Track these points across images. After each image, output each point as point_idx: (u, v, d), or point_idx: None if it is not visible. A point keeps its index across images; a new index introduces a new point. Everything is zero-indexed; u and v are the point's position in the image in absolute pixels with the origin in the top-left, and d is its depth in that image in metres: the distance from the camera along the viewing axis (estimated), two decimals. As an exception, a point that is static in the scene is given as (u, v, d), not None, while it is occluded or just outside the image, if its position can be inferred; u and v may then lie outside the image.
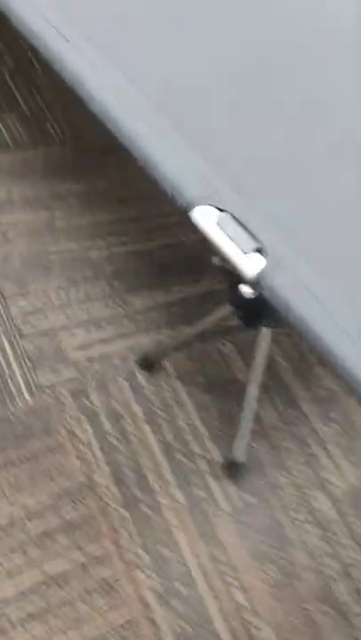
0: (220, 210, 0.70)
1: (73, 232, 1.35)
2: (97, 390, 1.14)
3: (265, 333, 0.95)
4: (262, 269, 0.66)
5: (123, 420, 1.12)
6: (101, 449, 1.08)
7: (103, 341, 1.21)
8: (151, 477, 1.07)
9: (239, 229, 0.68)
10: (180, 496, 1.06)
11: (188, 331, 1.26)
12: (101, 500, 1.02)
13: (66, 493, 1.01)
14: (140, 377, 1.19)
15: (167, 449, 1.11)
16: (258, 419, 1.20)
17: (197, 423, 1.16)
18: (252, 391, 1.06)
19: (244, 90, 0.90)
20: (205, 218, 0.69)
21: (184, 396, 1.19)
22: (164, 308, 1.30)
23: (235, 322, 1.31)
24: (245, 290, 0.78)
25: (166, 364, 1.22)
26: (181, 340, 1.26)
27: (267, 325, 0.93)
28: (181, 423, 1.15)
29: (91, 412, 1.11)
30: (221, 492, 1.09)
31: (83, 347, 1.19)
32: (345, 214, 0.82)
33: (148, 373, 1.19)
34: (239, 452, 1.09)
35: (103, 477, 1.05)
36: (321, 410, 1.25)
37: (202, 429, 1.15)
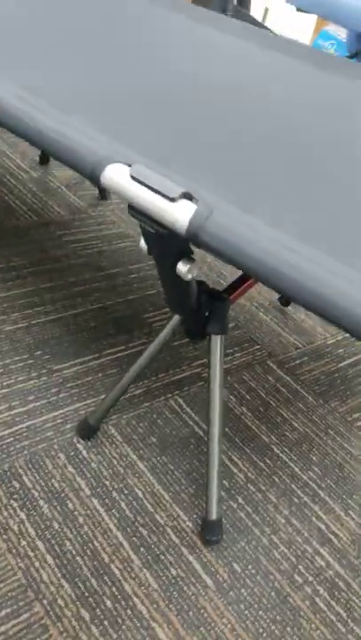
0: (130, 166, 0.59)
1: (-17, 309, 1.20)
2: (28, 469, 0.93)
3: (215, 341, 0.81)
4: (195, 213, 0.54)
5: (65, 499, 0.91)
6: (42, 538, 0.85)
7: (30, 414, 1.02)
8: (111, 563, 0.84)
9: (158, 177, 0.56)
10: (150, 580, 0.84)
11: (129, 391, 1.10)
12: (51, 602, 0.78)
13: (3, 601, 0.77)
14: (81, 447, 0.99)
15: (125, 525, 0.89)
16: (230, 474, 1.01)
17: (157, 488, 0.96)
18: (214, 428, 0.89)
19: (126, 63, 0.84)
20: (118, 174, 0.58)
21: (137, 462, 0.99)
22: (98, 372, 1.13)
23: (180, 375, 1.17)
24: (182, 268, 0.65)
25: (110, 428, 1.03)
26: (124, 401, 1.08)
27: (215, 332, 0.80)
28: (138, 492, 0.95)
29: (23, 495, 0.89)
30: (200, 564, 0.87)
31: (6, 423, 0.99)
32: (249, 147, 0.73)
33: (90, 442, 1.00)
34: (213, 511, 0.89)
35: (49, 573, 0.81)
36: (298, 453, 1.08)
37: (165, 495, 0.95)
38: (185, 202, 0.54)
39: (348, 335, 1.42)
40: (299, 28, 3.54)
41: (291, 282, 0.49)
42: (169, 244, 0.62)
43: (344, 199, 0.65)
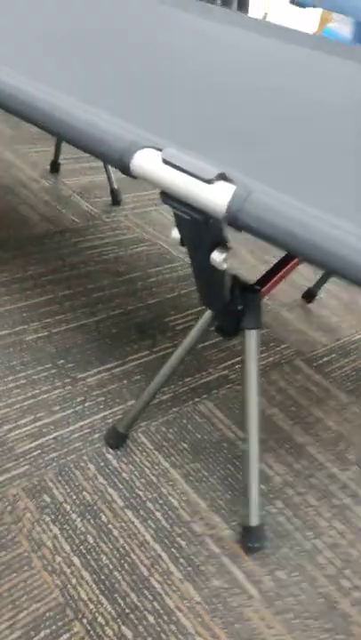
0: (160, 150, 0.56)
1: (1, 319, 1.17)
2: (58, 482, 0.90)
3: (250, 335, 0.77)
4: (234, 194, 0.50)
5: (98, 511, 0.87)
6: (77, 553, 0.81)
7: (56, 425, 0.98)
8: (150, 576, 0.80)
9: (192, 160, 0.53)
10: (192, 592, 0.80)
11: (156, 396, 1.06)
12: (91, 620, 0.74)
13: (42, 622, 0.73)
14: (111, 457, 0.95)
15: (162, 535, 0.85)
16: (266, 478, 0.97)
17: (193, 496, 0.92)
18: (252, 427, 0.84)
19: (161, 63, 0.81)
20: (148, 160, 0.55)
21: (169, 469, 0.95)
22: (123, 380, 1.10)
23: (207, 378, 1.14)
24: (217, 257, 0.62)
25: (139, 436, 1.00)
26: (152, 407, 1.05)
27: (249, 327, 0.76)
28: (173, 501, 0.91)
29: (55, 509, 0.86)
30: (243, 573, 0.83)
31: (33, 435, 0.96)
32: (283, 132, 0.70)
33: (119, 451, 0.96)
34: (254, 516, 0.85)
35: (87, 590, 0.77)
36: (334, 453, 1.04)
37: (201, 503, 0.91)
38: (222, 183, 0.51)
39: (375, 330, 1.38)
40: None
41: (338, 258, 0.46)
42: (204, 230, 0.59)
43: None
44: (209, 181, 0.51)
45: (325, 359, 1.26)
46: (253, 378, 0.80)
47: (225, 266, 0.61)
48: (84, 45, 0.89)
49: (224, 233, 0.62)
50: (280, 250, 0.51)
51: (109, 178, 1.72)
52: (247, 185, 0.51)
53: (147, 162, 0.54)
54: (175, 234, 0.63)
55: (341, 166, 0.64)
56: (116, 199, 1.71)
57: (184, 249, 1.58)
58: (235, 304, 0.75)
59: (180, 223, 0.62)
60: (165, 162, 0.53)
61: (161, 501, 0.90)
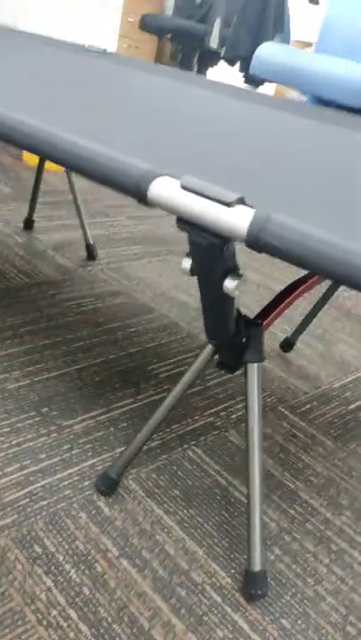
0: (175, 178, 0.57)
1: (-18, 369, 1.14)
2: (49, 532, 0.85)
3: (253, 368, 0.77)
4: (255, 216, 0.52)
5: (93, 561, 0.82)
6: (73, 606, 0.76)
7: (44, 473, 0.94)
8: (151, 628, 0.75)
9: (211, 186, 0.54)
10: (197, 645, 0.75)
11: (146, 443, 1.04)
12: None
13: None
14: (102, 504, 0.91)
15: (161, 586, 0.81)
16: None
17: (189, 544, 0.88)
18: (254, 467, 0.82)
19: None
20: (166, 186, 0.56)
21: (163, 517, 0.92)
22: (109, 427, 1.07)
23: (194, 425, 1.12)
24: (229, 284, 0.63)
25: (130, 483, 0.96)
26: (141, 454, 1.02)
27: (251, 360, 0.76)
28: (169, 549, 0.87)
29: (47, 560, 0.81)
30: (246, 623, 0.79)
31: (20, 484, 0.91)
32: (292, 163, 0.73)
33: (111, 498, 0.92)
34: (256, 561, 0.82)
35: (85, 646, 0.72)
36: (326, 498, 1.03)
37: (198, 550, 0.87)
38: (242, 207, 0.53)
39: (352, 378, 1.40)
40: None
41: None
42: (219, 256, 0.60)
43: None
44: (229, 204, 0.53)
45: (308, 406, 1.26)
46: (256, 410, 0.79)
47: (237, 293, 0.62)
48: (101, 107, 0.93)
49: (235, 260, 0.63)
50: (302, 269, 0.53)
51: (85, 233, 1.74)
52: (266, 208, 0.53)
53: (164, 189, 0.56)
54: (186, 263, 0.64)
55: (319, 195, 0.67)
56: (91, 254, 1.73)
57: (160, 300, 1.60)
58: (239, 337, 0.76)
59: (194, 250, 0.63)
60: (184, 188, 0.55)
61: (157, 550, 0.86)
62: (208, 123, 0.95)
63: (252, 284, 1.78)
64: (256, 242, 0.51)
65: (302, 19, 3.49)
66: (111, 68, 1.35)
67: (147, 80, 1.28)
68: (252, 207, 0.53)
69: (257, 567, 0.81)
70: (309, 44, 4.18)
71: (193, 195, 0.54)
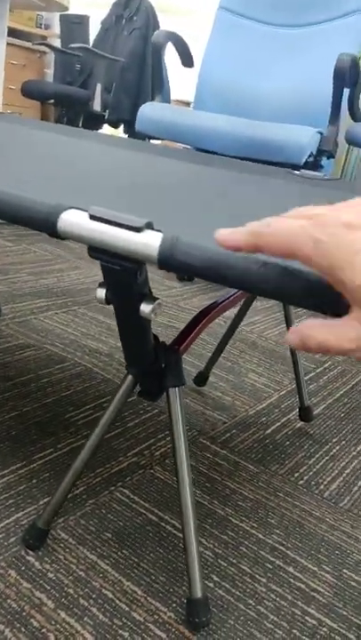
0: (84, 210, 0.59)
1: None
2: (-22, 595, 0.79)
3: (174, 393, 0.78)
4: (164, 238, 0.55)
5: (28, 617, 0.78)
6: (12, 668, 0.71)
7: (-34, 535, 0.89)
8: None
9: (118, 214, 0.57)
10: None
11: (71, 490, 1.01)
12: None
13: None
14: (32, 559, 0.87)
15: (103, 631, 0.78)
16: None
17: (127, 585, 0.86)
18: (185, 494, 0.82)
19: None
20: (76, 217, 0.58)
21: (97, 561, 0.89)
22: (32, 479, 1.03)
23: (118, 466, 1.11)
24: (146, 308, 0.65)
25: (59, 533, 0.93)
26: (66, 503, 0.99)
27: (173, 385, 0.77)
28: (107, 592, 0.84)
29: (-22, 626, 0.75)
30: (196, 654, 0.78)
31: None
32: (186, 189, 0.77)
33: (40, 551, 0.88)
34: (197, 588, 0.81)
35: None
36: (256, 519, 1.04)
37: (137, 590, 0.85)
38: (150, 231, 0.55)
39: (266, 404, 1.45)
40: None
41: (265, 278, 0.51)
42: (133, 281, 0.62)
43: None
44: (138, 229, 0.55)
45: (227, 435, 1.29)
46: (182, 436, 0.80)
47: (153, 316, 0.64)
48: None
49: (148, 285, 0.65)
50: (213, 284, 0.56)
51: (-16, 293, 1.70)
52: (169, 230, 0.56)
53: (74, 220, 0.58)
54: (100, 293, 0.66)
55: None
56: (-7, 312, 1.69)
57: (71, 349, 1.59)
58: (158, 363, 0.77)
59: (108, 278, 0.64)
60: (93, 217, 0.57)
61: (94, 595, 0.83)
62: (112, 170, 0.99)
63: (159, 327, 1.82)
64: (167, 261, 0.54)
65: (179, 79, 3.73)
66: (8, 126, 1.37)
67: (40, 134, 1.31)
68: (159, 231, 0.56)
69: (198, 594, 0.80)
70: (188, 103, 4.44)
71: (103, 223, 0.57)
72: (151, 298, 0.64)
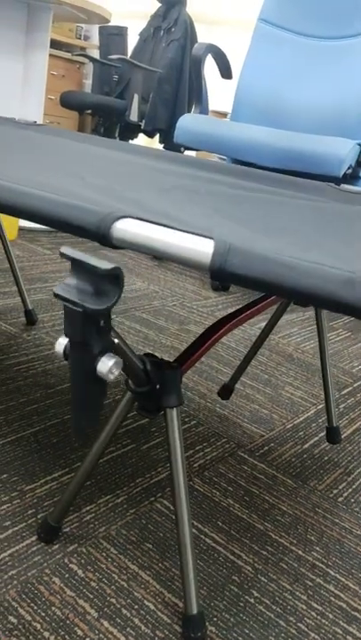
0: (137, 219, 0.61)
1: None
2: (23, 601, 0.81)
3: (171, 413, 0.78)
4: (216, 246, 0.55)
5: (72, 625, 0.79)
6: None
7: (10, 541, 0.90)
8: None
9: (172, 222, 0.58)
10: None
11: (110, 500, 1.02)
12: None
13: None
14: (75, 567, 0.88)
15: (145, 643, 0.79)
16: (237, 568, 0.94)
17: (168, 597, 0.86)
18: (182, 509, 0.80)
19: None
20: (132, 225, 0.59)
21: (139, 572, 0.89)
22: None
23: (157, 477, 1.11)
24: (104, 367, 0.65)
25: (101, 542, 0.93)
26: (107, 511, 0.99)
27: (170, 405, 0.77)
28: (149, 604, 0.84)
29: (24, 630, 0.76)
30: (238, 670, 0.77)
31: (-14, 554, 0.87)
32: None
33: (83, 559, 0.89)
34: (193, 604, 0.81)
35: None
36: (295, 536, 1.03)
37: (178, 603, 0.85)
38: (213, 240, 0.56)
39: (303, 418, 1.44)
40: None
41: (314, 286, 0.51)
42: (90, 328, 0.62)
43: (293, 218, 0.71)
44: (197, 233, 0.56)
45: (265, 448, 1.29)
46: (178, 456, 0.79)
47: (112, 377, 0.64)
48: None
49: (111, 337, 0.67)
50: (249, 294, 0.56)
51: (24, 300, 1.73)
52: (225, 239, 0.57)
53: (131, 225, 0.59)
54: (58, 347, 0.65)
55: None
56: (30, 319, 1.72)
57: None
58: (152, 383, 0.77)
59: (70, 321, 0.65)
60: (151, 223, 0.58)
61: (136, 606, 0.84)
62: (152, 181, 1.00)
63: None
64: (222, 271, 0.55)
65: (217, 91, 3.75)
66: (46, 137, 1.40)
67: (79, 145, 1.33)
68: (212, 238, 0.57)
69: (194, 610, 0.80)
70: (224, 114, 4.46)
71: (160, 227, 0.58)
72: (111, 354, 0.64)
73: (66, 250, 0.60)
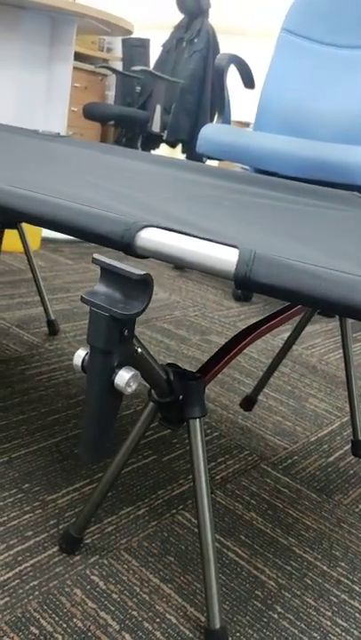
0: (162, 228, 0.60)
1: None
2: (44, 611, 0.80)
3: (194, 424, 0.77)
4: (240, 254, 0.55)
5: (93, 637, 0.78)
6: None
7: (32, 551, 0.90)
8: None
9: (196, 231, 0.58)
10: None
11: (132, 512, 1.01)
12: None
13: None
14: (96, 578, 0.87)
15: (167, 658, 0.77)
16: (260, 583, 0.92)
17: (190, 610, 0.84)
18: (205, 520, 0.79)
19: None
20: (157, 234, 0.59)
21: (160, 585, 0.88)
22: (94, 498, 1.04)
23: (179, 489, 1.10)
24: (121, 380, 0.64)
25: (123, 554, 0.93)
26: (129, 523, 0.99)
27: (193, 416, 0.76)
28: (170, 617, 0.83)
29: (45, 644, 0.76)
30: None
31: (8, 565, 0.86)
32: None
33: (105, 571, 0.89)
34: (216, 619, 0.80)
35: None
36: (320, 551, 1.02)
37: (200, 617, 0.84)
38: (227, 247, 0.56)
39: (327, 431, 1.42)
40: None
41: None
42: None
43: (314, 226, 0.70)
44: (221, 242, 0.56)
45: (289, 461, 1.27)
46: (202, 467, 0.78)
47: (130, 390, 0.64)
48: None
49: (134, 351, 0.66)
50: (272, 304, 0.56)
51: (46, 309, 1.74)
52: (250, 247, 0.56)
53: (156, 234, 0.59)
54: (77, 361, 0.65)
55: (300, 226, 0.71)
56: (53, 329, 1.73)
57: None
58: (175, 394, 0.77)
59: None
60: (176, 232, 0.58)
61: (158, 620, 0.83)
62: (177, 191, 1.00)
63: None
64: (248, 280, 0.54)
65: (239, 101, 3.75)
66: (69, 148, 1.41)
67: (102, 156, 1.34)
68: (236, 247, 0.57)
69: (216, 625, 0.79)
70: (247, 124, 4.47)
71: (185, 237, 0.57)
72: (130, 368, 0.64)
73: (98, 257, 0.60)
